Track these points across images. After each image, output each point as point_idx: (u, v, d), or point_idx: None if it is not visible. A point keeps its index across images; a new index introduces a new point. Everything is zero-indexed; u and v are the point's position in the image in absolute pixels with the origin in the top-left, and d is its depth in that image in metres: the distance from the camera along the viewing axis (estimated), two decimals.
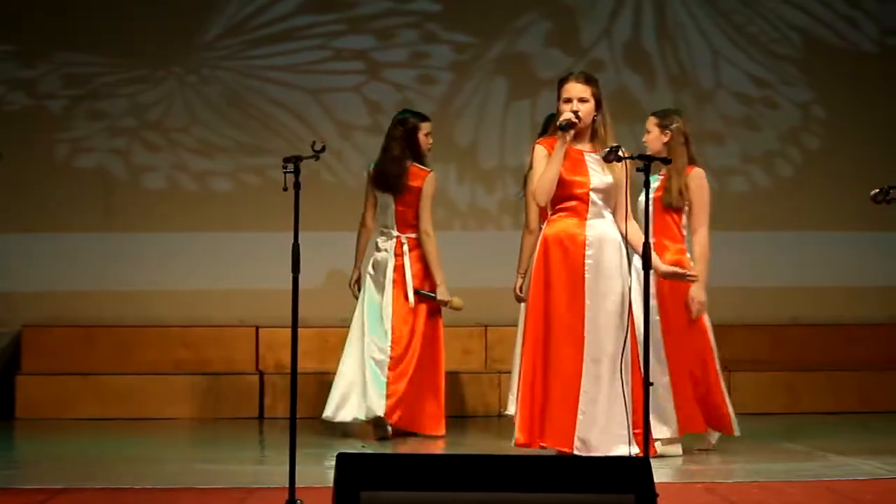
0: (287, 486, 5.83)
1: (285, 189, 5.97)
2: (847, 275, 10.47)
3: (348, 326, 10.02)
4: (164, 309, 10.20)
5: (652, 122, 7.79)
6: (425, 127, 8.57)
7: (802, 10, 10.99)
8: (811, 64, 10.97)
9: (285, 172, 5.93)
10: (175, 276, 10.23)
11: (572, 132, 6.80)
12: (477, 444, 8.42)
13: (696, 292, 7.68)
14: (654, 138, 7.74)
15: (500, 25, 10.79)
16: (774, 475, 7.20)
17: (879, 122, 10.83)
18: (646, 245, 6.22)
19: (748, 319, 10.32)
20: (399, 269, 8.44)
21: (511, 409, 7.93)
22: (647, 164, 6.28)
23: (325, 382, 9.69)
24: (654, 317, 7.37)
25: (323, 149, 6.11)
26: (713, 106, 10.88)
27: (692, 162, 7.80)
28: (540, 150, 6.89)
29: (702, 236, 7.74)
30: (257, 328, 10.01)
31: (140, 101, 10.46)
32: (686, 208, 7.75)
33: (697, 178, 7.76)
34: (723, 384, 7.80)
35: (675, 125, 7.74)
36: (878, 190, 5.44)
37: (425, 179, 8.46)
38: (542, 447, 6.83)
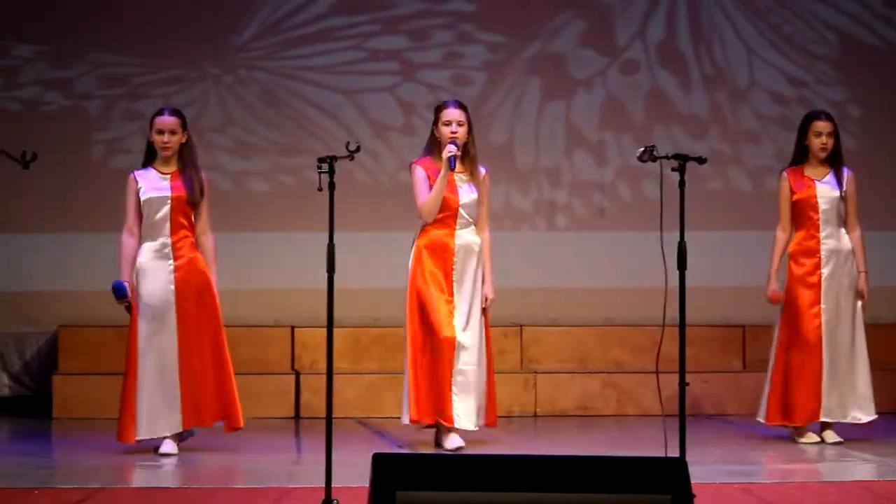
0: (323, 485, 5.84)
1: (320, 189, 5.99)
2: (883, 274, 10.39)
3: (381, 326, 10.04)
4: None
5: (176, 124, 8.14)
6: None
7: (838, 9, 10.94)
8: (847, 63, 10.91)
9: (320, 172, 5.95)
10: None
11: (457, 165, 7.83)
12: (512, 443, 8.42)
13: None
14: (177, 140, 8.09)
15: (535, 26, 10.77)
16: (812, 476, 7.18)
17: None
18: (681, 244, 6.21)
19: None
20: None
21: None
22: (681, 163, 6.26)
23: (359, 382, 9.72)
24: None
25: (358, 149, 6.12)
26: (748, 105, 10.83)
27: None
28: (420, 171, 7.95)
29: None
30: (292, 328, 10.03)
31: (175, 101, 10.47)
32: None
33: None
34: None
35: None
36: None
37: None
38: (431, 424, 7.88)
